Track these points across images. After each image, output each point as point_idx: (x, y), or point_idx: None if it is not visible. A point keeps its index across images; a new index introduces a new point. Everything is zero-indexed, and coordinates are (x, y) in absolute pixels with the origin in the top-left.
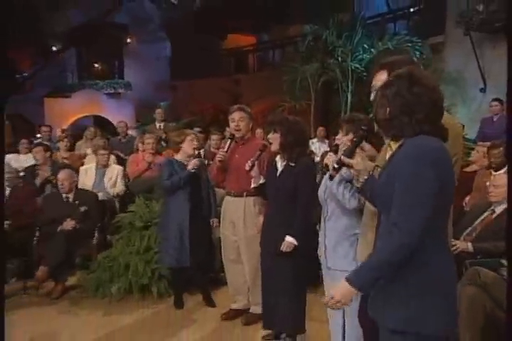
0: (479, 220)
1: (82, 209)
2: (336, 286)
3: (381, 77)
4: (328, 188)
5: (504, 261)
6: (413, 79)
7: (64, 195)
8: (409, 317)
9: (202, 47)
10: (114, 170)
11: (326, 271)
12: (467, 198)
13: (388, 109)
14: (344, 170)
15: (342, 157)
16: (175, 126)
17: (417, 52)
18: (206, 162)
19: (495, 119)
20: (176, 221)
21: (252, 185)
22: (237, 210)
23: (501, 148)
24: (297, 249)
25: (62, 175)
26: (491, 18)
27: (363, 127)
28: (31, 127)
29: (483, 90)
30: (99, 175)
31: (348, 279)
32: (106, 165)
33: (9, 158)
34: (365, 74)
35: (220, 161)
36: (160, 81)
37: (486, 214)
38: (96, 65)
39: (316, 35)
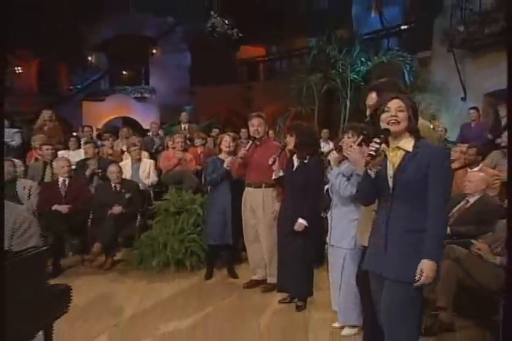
0: (456, 209)
1: (127, 196)
2: (424, 267)
3: (372, 97)
4: (331, 179)
5: (474, 241)
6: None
7: (113, 185)
8: (410, 271)
9: (218, 57)
10: (147, 163)
11: (330, 249)
12: None
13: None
14: (343, 167)
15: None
16: (197, 127)
17: (408, 66)
18: None
19: (472, 125)
20: (219, 209)
21: (273, 177)
22: (256, 199)
23: (475, 148)
24: (307, 229)
25: (112, 168)
26: (471, 38)
27: (364, 132)
28: (69, 127)
29: (463, 99)
30: (135, 168)
31: (430, 259)
32: (139, 160)
33: (61, 153)
34: (362, 83)
35: (241, 158)
36: (181, 87)
37: (461, 203)
38: (124, 73)
39: (320, 49)
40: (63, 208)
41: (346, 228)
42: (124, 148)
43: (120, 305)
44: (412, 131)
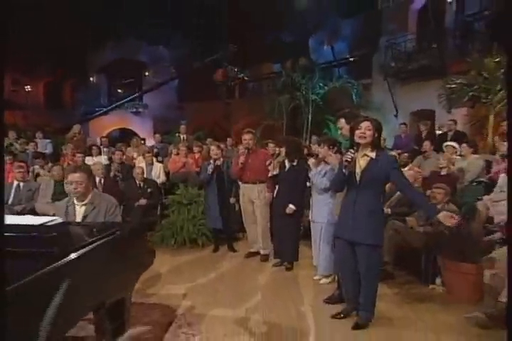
0: (395, 196)
1: (149, 191)
2: (442, 218)
3: (341, 121)
4: (311, 177)
5: (407, 218)
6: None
7: (138, 182)
8: (379, 237)
9: (200, 79)
10: (157, 166)
11: (312, 223)
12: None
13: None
14: (319, 168)
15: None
16: (193, 138)
17: (355, 90)
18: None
19: (402, 136)
20: (212, 201)
21: (269, 175)
22: (253, 192)
23: (407, 154)
24: (296, 212)
25: (138, 170)
26: (399, 71)
27: (336, 143)
28: None
29: (396, 116)
30: (148, 170)
31: (435, 213)
32: (151, 163)
33: (87, 159)
34: (320, 103)
35: (241, 164)
36: (170, 103)
37: (397, 193)
38: (119, 91)
39: (287, 75)
40: None
41: (322, 209)
42: (135, 154)
43: (157, 269)
44: (375, 144)
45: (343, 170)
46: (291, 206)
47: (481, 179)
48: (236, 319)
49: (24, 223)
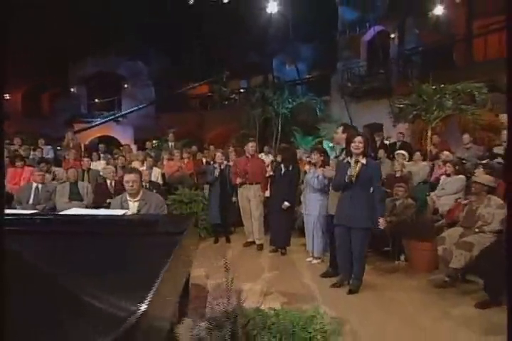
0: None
1: (154, 191)
2: (380, 221)
3: (339, 129)
4: (307, 179)
5: None
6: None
7: (144, 184)
8: (370, 222)
9: (175, 91)
10: (156, 171)
11: (305, 216)
12: None
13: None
14: (312, 172)
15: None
16: (180, 145)
17: (318, 105)
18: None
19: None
20: (214, 200)
21: (267, 175)
22: (250, 191)
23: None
24: (290, 208)
25: (143, 173)
26: (355, 91)
27: (325, 151)
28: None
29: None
30: (148, 174)
31: (381, 216)
32: (151, 167)
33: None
34: (289, 115)
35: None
36: (147, 113)
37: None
38: (97, 100)
39: (261, 92)
40: (110, 201)
41: (315, 205)
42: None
43: None
44: (365, 153)
45: (345, 177)
46: (286, 203)
47: (427, 180)
48: (257, 290)
49: (111, 214)
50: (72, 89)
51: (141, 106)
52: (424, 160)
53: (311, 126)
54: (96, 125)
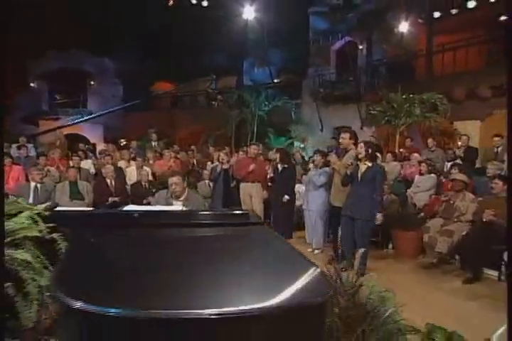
0: None
1: (153, 190)
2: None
3: (345, 135)
4: (310, 177)
5: None
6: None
7: (143, 184)
8: (372, 214)
9: (144, 90)
10: (146, 170)
11: (305, 211)
12: None
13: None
14: (313, 171)
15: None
16: (163, 144)
17: (293, 108)
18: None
19: (333, 147)
20: (217, 195)
21: (268, 176)
22: (252, 189)
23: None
24: (289, 201)
25: (143, 172)
26: (327, 96)
27: (326, 153)
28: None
29: (321, 130)
30: (139, 173)
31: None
32: (141, 167)
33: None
34: (265, 117)
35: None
36: (116, 112)
37: None
38: (59, 97)
39: (238, 94)
40: (113, 199)
41: (316, 200)
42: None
43: None
44: (370, 157)
45: (353, 175)
46: (286, 196)
47: (401, 179)
48: None
49: (168, 209)
50: (32, 85)
51: (119, 107)
52: (394, 160)
53: (283, 128)
54: (69, 125)
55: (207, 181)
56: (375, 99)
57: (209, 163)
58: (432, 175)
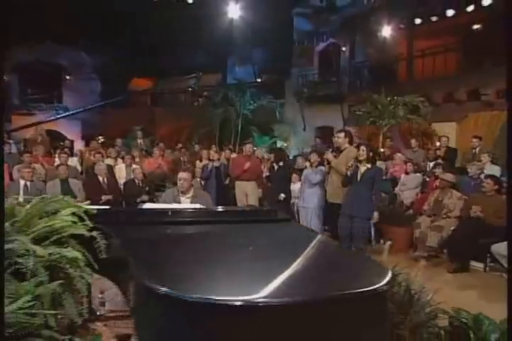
0: None
1: (147, 188)
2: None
3: (341, 134)
4: (306, 175)
5: None
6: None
7: (137, 182)
8: (369, 212)
9: (123, 86)
10: (137, 168)
11: (301, 208)
12: None
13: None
14: (310, 170)
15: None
16: (149, 142)
17: (277, 107)
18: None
19: (318, 146)
20: (211, 191)
21: (264, 175)
22: (247, 187)
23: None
24: (285, 199)
25: (137, 170)
26: (311, 96)
27: (322, 154)
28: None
29: (304, 129)
30: (128, 171)
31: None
32: (130, 165)
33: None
34: (250, 116)
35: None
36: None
37: None
38: (31, 91)
39: (224, 93)
40: (107, 198)
41: (312, 198)
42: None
43: None
44: (369, 159)
45: (353, 175)
46: (282, 195)
47: (386, 178)
48: None
49: (187, 207)
50: (4, 78)
51: (102, 103)
52: (378, 160)
53: (266, 127)
54: (49, 120)
55: (198, 179)
56: (357, 99)
57: (198, 161)
58: (418, 174)
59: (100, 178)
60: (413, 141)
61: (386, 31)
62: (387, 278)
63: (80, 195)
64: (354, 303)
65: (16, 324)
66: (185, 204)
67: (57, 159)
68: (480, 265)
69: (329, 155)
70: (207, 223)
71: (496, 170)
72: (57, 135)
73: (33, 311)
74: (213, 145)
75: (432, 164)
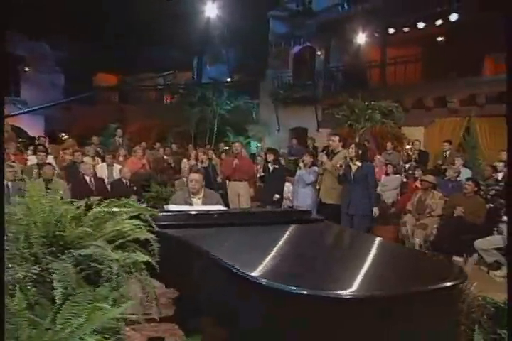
0: None
1: (135, 188)
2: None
3: (335, 138)
4: (300, 176)
5: None
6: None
7: (124, 181)
8: (367, 209)
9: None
10: (117, 167)
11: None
12: None
13: (360, 153)
14: (304, 170)
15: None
16: (127, 141)
17: (253, 108)
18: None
19: (294, 147)
20: None
21: (258, 175)
22: (239, 188)
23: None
24: (279, 199)
25: (125, 169)
26: (286, 97)
27: (314, 154)
28: None
29: (278, 130)
30: (109, 170)
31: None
32: (112, 164)
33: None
34: (227, 116)
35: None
36: (54, 102)
37: None
38: None
39: (201, 92)
40: (95, 199)
41: (305, 197)
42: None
43: None
44: (361, 157)
45: (346, 175)
46: (277, 195)
47: None
48: None
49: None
50: None
51: (73, 98)
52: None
53: (241, 127)
54: (11, 115)
55: (185, 179)
56: (332, 102)
57: (184, 160)
58: (397, 175)
59: (87, 178)
60: (388, 144)
61: (361, 38)
62: (463, 274)
63: (66, 196)
64: (440, 296)
65: (109, 329)
66: (203, 206)
67: (31, 157)
68: (460, 259)
69: (324, 157)
70: (251, 225)
71: (468, 173)
72: (18, 131)
73: (125, 316)
74: (194, 145)
75: (407, 166)
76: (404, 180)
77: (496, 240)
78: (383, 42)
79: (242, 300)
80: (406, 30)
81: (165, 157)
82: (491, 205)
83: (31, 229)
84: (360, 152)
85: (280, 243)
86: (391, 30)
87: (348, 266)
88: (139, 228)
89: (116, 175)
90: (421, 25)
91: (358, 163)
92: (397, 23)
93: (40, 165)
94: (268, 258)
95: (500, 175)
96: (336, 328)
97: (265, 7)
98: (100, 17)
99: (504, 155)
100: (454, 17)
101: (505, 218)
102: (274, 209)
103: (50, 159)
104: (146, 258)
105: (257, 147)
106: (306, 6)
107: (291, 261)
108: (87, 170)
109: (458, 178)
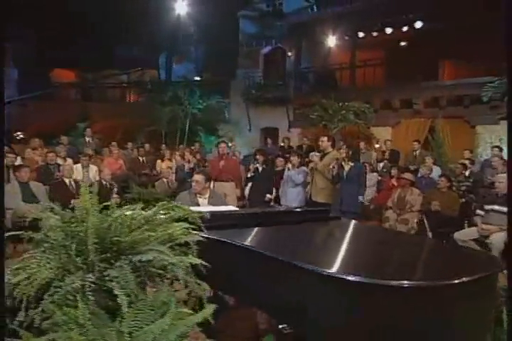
0: None
1: (115, 189)
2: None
3: (324, 138)
4: (289, 176)
5: None
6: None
7: (104, 183)
8: (358, 207)
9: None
10: (93, 168)
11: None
12: None
13: (350, 154)
14: (294, 170)
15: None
16: (97, 141)
17: (225, 107)
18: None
19: (269, 146)
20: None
21: (248, 175)
22: (225, 188)
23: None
24: (270, 199)
25: (105, 171)
26: (258, 97)
27: (302, 154)
28: None
29: (249, 130)
30: (85, 171)
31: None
32: (87, 165)
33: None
34: (199, 115)
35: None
36: (9, 98)
37: None
38: None
39: (173, 91)
40: (77, 202)
41: (295, 197)
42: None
43: None
44: (352, 157)
45: (339, 174)
46: (268, 196)
47: None
48: None
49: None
50: None
51: (36, 94)
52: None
53: (212, 127)
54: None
55: (165, 180)
56: (303, 103)
57: (159, 161)
58: (374, 173)
59: (67, 180)
60: (362, 144)
61: (331, 41)
62: (499, 262)
63: (45, 200)
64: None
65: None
66: (216, 207)
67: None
68: None
69: (315, 157)
70: (279, 224)
71: (438, 171)
72: None
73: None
74: (181, 145)
75: (381, 165)
76: (379, 178)
77: (472, 232)
78: (353, 45)
79: (328, 300)
80: (375, 34)
81: (139, 157)
82: (463, 200)
83: (86, 235)
84: (350, 152)
85: (327, 240)
86: (361, 34)
87: (403, 259)
88: (189, 231)
89: (92, 177)
90: (389, 30)
91: (351, 163)
92: (367, 27)
93: (15, 167)
94: (337, 256)
95: (467, 172)
96: (418, 315)
97: (235, 6)
98: (63, 12)
99: (467, 154)
100: (418, 24)
101: (479, 211)
102: (294, 208)
103: (19, 161)
104: (199, 261)
105: (228, 147)
106: (276, 7)
107: (358, 257)
108: (67, 172)
109: (430, 175)
